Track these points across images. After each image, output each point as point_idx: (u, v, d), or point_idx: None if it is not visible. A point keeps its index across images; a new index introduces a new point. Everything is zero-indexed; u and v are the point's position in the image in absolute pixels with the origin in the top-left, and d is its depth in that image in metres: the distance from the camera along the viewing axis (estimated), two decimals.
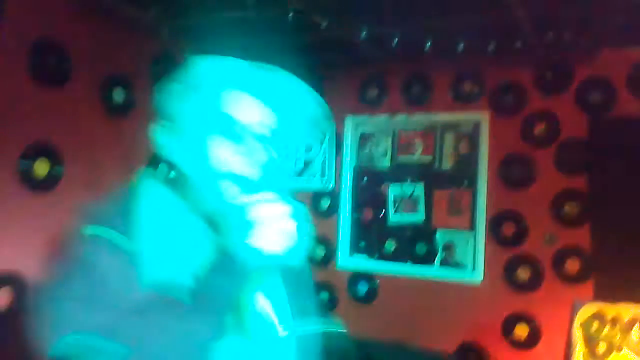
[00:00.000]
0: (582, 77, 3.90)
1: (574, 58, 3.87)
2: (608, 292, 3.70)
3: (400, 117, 4.49)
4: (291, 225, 1.24)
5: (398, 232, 4.49)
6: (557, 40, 3.37)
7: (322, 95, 4.63)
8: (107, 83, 3.48)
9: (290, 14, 3.14)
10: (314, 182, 4.71)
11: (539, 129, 4.04)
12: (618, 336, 3.62)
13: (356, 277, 4.58)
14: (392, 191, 4.51)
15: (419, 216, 4.41)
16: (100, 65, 3.44)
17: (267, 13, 3.15)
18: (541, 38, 3.39)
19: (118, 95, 3.54)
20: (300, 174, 4.70)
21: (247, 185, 1.32)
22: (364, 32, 3.31)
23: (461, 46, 3.51)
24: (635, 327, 3.58)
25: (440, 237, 4.34)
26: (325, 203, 4.75)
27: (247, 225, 1.19)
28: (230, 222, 1.22)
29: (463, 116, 4.30)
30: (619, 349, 3.60)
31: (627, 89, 3.75)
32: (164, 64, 3.80)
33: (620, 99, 3.77)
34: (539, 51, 3.70)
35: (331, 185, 4.69)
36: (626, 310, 3.62)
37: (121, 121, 3.57)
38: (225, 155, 1.33)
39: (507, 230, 4.10)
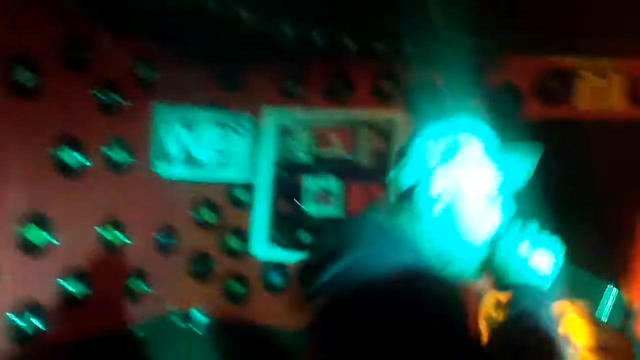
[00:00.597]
0: (491, 82, 4.11)
1: (484, 64, 4.06)
2: None
3: (320, 112, 4.54)
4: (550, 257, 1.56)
5: (314, 225, 4.56)
6: (471, 46, 3.52)
7: (240, 85, 4.55)
8: (13, 63, 3.27)
9: (209, 3, 3.08)
10: (231, 173, 4.68)
11: None
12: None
13: (271, 267, 4.62)
14: (309, 184, 4.57)
15: (334, 210, 4.50)
16: (5, 43, 3.23)
17: (186, 1, 3.08)
18: (456, 42, 3.53)
19: (23, 76, 3.34)
20: (217, 164, 4.64)
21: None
22: (289, 29, 3.29)
23: (381, 46, 3.59)
24: None
25: None
26: (241, 194, 4.74)
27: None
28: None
29: (380, 114, 4.41)
30: None
31: (533, 94, 4.00)
32: (78, 46, 3.64)
33: (526, 104, 4.01)
34: (452, 55, 3.85)
35: (248, 177, 4.67)
36: None
37: (27, 104, 3.38)
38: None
39: None
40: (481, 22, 3.40)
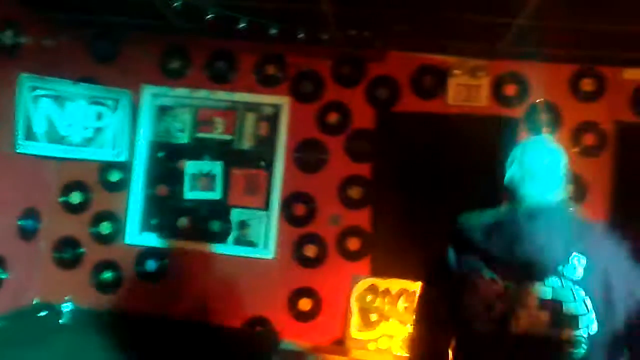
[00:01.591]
0: (372, 75, 4.28)
1: (368, 56, 4.23)
2: (382, 268, 4.16)
3: (202, 93, 4.42)
4: None
5: (193, 209, 4.44)
6: (357, 38, 3.65)
7: (116, 59, 4.36)
8: None
9: None
10: (104, 153, 4.39)
11: (333, 117, 4.33)
12: (387, 307, 4.10)
13: (146, 254, 4.42)
14: (190, 168, 4.43)
15: (215, 194, 4.42)
16: None
17: None
18: (344, 33, 3.64)
19: None
20: (88, 143, 4.32)
21: None
22: (177, 3, 3.16)
23: (269, 30, 3.57)
24: (401, 299, 4.09)
25: (235, 215, 4.41)
26: (115, 176, 4.47)
27: None
28: None
29: (265, 99, 4.40)
30: (388, 318, 4.09)
31: (410, 88, 4.23)
32: None
33: (404, 97, 4.24)
34: (339, 45, 3.97)
35: (123, 157, 4.42)
36: (395, 285, 4.11)
37: None
38: None
39: (298, 211, 4.34)
40: (370, 15, 3.55)
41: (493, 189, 3.97)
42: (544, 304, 1.89)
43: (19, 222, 4.12)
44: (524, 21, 3.30)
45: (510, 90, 4.17)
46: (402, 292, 4.10)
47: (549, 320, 1.89)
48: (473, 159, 4.07)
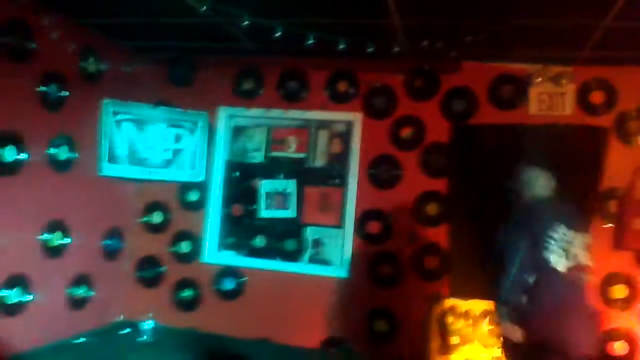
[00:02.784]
0: (447, 87, 4.14)
1: (441, 68, 4.10)
2: (462, 289, 3.97)
3: (275, 112, 4.45)
4: None
5: (268, 228, 4.46)
6: (429, 49, 3.54)
7: (192, 82, 4.51)
8: None
9: None
10: (183, 174, 4.50)
11: (406, 132, 4.23)
12: (470, 329, 3.89)
13: (223, 272, 4.47)
14: (264, 187, 4.46)
15: (289, 212, 4.41)
16: None
17: None
18: (415, 45, 3.54)
19: None
20: (167, 164, 4.45)
21: None
22: (245, 22, 3.18)
23: (339, 47, 3.53)
24: (484, 321, 3.88)
25: (310, 233, 4.38)
26: (193, 196, 4.57)
27: None
28: None
29: (337, 115, 4.37)
30: (470, 341, 3.88)
31: (487, 99, 4.06)
32: (18, 33, 3.39)
33: (481, 108, 4.07)
34: (409, 58, 3.87)
35: (201, 178, 4.51)
36: (477, 305, 3.90)
37: None
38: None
39: (373, 228, 4.24)
40: (439, 27, 3.43)
41: (581, 201, 3.77)
42: None
43: (104, 242, 4.29)
44: (609, 22, 3.07)
45: (597, 97, 3.90)
46: (485, 314, 3.89)
47: None
48: (559, 171, 3.83)
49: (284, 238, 4.42)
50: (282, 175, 4.46)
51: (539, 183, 3.00)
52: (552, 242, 2.71)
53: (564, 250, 2.73)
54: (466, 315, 3.92)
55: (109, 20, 3.77)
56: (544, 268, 2.69)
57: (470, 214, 4.00)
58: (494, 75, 4.06)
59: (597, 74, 3.89)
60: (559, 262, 2.70)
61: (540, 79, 3.99)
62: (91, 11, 3.62)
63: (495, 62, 4.04)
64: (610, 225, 3.81)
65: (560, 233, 2.74)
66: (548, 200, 2.95)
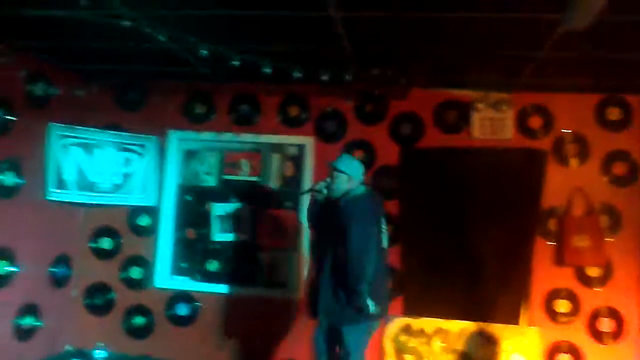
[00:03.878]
0: (395, 112, 4.30)
1: (390, 94, 4.26)
2: (414, 308, 4.09)
3: (228, 136, 4.48)
4: None
5: (222, 251, 4.45)
6: (380, 76, 3.68)
7: (143, 106, 4.61)
8: None
9: (125, 22, 2.95)
10: (133, 198, 4.44)
11: (357, 155, 4.33)
12: (423, 347, 4.01)
13: (176, 298, 4.42)
14: (217, 210, 4.46)
15: (243, 236, 4.42)
16: None
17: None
18: (366, 72, 3.67)
19: None
20: (117, 189, 4.38)
21: None
22: (204, 51, 3.22)
23: (293, 74, 3.61)
24: (436, 339, 4.01)
25: (263, 256, 4.40)
26: (144, 221, 4.52)
27: None
28: None
29: (289, 139, 4.44)
30: (424, 359, 4.00)
31: (433, 123, 4.24)
32: None
33: (427, 132, 4.24)
34: (359, 84, 4.00)
35: (152, 202, 4.47)
36: (429, 324, 4.04)
37: None
38: None
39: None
40: (390, 54, 3.58)
41: (523, 221, 3.99)
42: None
43: (51, 269, 4.17)
44: (545, 53, 3.30)
45: (535, 122, 4.15)
46: (437, 331, 4.02)
47: None
48: (501, 192, 4.04)
49: (238, 261, 4.43)
50: (235, 199, 4.47)
51: (360, 177, 3.40)
52: (383, 227, 3.38)
53: (385, 233, 3.40)
54: (420, 333, 4.04)
55: (57, 45, 3.72)
56: (382, 249, 3.33)
57: (421, 234, 4.14)
58: (439, 101, 4.26)
59: (534, 100, 4.14)
60: (385, 242, 3.38)
61: (482, 105, 4.21)
62: (40, 36, 3.56)
63: (440, 88, 4.24)
64: (552, 243, 4.04)
65: (383, 221, 3.41)
66: (373, 194, 3.47)
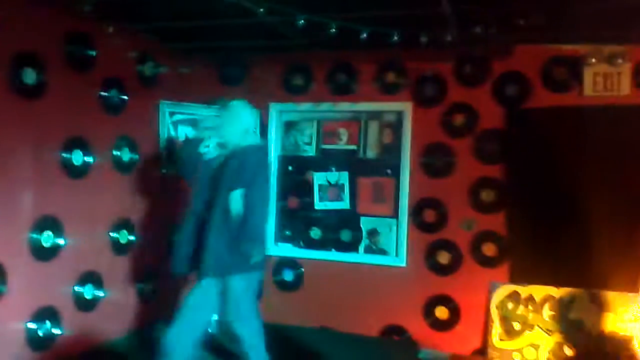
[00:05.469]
0: (498, 72, 4.11)
1: (492, 54, 4.06)
2: (522, 275, 3.96)
3: (325, 106, 4.50)
4: None
5: (323, 219, 4.53)
6: (481, 36, 3.51)
7: (243, 81, 4.83)
8: (17, 62, 3.15)
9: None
10: None
11: (458, 119, 4.21)
12: (531, 315, 3.89)
13: (281, 265, 4.58)
14: (317, 179, 4.53)
15: (343, 204, 4.47)
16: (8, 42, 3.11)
17: None
18: (467, 32, 3.52)
19: (28, 76, 3.22)
20: None
21: None
22: (301, 21, 3.23)
23: (391, 39, 3.54)
24: (546, 307, 3.86)
25: (364, 224, 4.43)
26: None
27: None
28: None
29: (387, 106, 4.39)
30: (532, 327, 3.88)
31: (541, 82, 4.01)
32: (79, 43, 3.54)
33: (535, 92, 4.02)
34: (460, 46, 3.84)
35: None
36: (538, 291, 3.89)
37: (33, 103, 3.27)
38: None
39: (428, 217, 4.26)
40: (491, 11, 3.40)
41: None
42: None
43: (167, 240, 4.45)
44: None
45: None
46: (547, 299, 3.87)
47: None
48: (617, 152, 3.77)
49: (339, 229, 4.49)
50: (334, 168, 4.51)
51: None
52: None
53: None
54: (528, 300, 3.92)
55: (162, 24, 3.88)
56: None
57: (528, 199, 3.97)
58: (546, 58, 4.01)
59: None
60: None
61: (594, 60, 3.91)
62: (145, 18, 3.73)
63: (547, 44, 3.99)
64: None
65: None
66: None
